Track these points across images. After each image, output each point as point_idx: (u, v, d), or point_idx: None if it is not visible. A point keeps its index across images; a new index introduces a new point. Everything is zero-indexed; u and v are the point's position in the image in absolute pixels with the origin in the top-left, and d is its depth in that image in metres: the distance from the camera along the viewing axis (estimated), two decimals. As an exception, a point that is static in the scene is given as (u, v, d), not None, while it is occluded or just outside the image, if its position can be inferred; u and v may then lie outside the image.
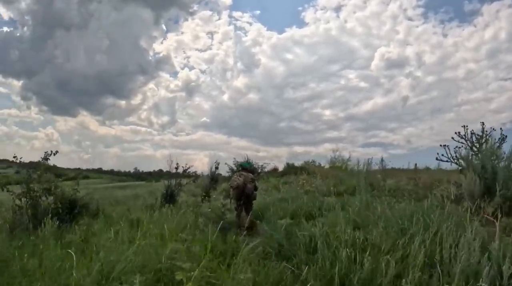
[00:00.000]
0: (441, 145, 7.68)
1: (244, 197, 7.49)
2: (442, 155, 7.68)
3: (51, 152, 8.87)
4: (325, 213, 6.99)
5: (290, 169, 24.06)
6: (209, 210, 8.74)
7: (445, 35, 60.93)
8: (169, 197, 11.26)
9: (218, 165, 16.55)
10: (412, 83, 65.31)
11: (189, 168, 12.20)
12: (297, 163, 24.67)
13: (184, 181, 12.11)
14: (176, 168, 11.89)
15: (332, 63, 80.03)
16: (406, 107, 64.32)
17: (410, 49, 63.16)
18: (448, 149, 7.71)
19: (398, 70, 68.76)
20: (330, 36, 68.54)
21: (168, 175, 12.06)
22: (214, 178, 16.51)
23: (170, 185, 11.50)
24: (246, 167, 8.58)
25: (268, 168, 24.43)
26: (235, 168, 16.66)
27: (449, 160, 7.70)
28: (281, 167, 25.97)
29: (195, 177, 12.37)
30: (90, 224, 7.16)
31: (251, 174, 7.82)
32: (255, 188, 7.54)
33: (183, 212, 7.52)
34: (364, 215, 5.94)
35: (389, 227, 4.93)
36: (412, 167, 16.96)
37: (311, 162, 24.83)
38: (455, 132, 7.57)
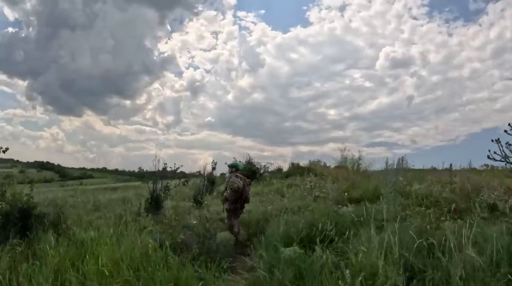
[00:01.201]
0: (492, 140, 5.80)
1: (241, 200, 7.25)
2: (495, 153, 5.79)
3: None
4: (348, 232, 5.21)
5: (295, 170, 22.26)
6: (195, 222, 7.02)
7: (450, 34, 60.22)
8: (154, 203, 9.53)
9: (216, 164, 14.75)
10: (417, 83, 64.71)
11: (178, 168, 10.44)
12: (303, 163, 23.17)
13: (173, 183, 10.39)
14: (164, 168, 10.16)
15: (337, 63, 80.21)
16: (411, 107, 63.73)
17: (415, 49, 62.44)
18: (501, 145, 5.81)
19: (403, 69, 68.60)
20: (335, 36, 68.13)
21: (160, 175, 10.32)
22: (210, 180, 14.73)
23: (155, 189, 9.78)
24: (240, 169, 8.02)
25: (271, 168, 22.76)
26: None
27: (504, 160, 5.81)
28: (285, 167, 24.41)
29: (185, 179, 10.61)
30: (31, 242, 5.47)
31: (247, 178, 7.50)
32: None
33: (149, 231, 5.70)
34: (417, 247, 3.79)
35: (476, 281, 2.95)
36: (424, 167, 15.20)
37: (317, 161, 23.11)
38: (509, 124, 5.67)
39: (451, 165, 10.48)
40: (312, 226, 5.64)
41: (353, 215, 6.46)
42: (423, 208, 6.69)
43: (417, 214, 6.23)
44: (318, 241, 4.54)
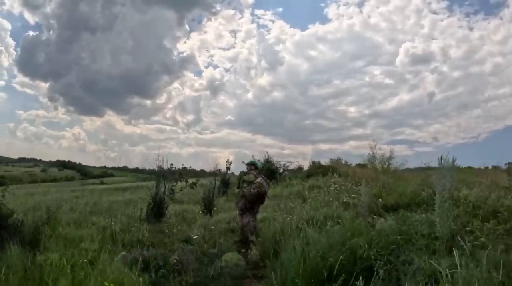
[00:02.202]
0: None
1: (259, 202, 6.56)
2: None
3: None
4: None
5: (316, 169, 20.74)
6: (196, 236, 5.75)
7: (470, 29, 57.65)
8: (156, 209, 8.32)
9: (230, 164, 13.42)
10: (438, 79, 62.53)
11: (184, 168, 9.22)
12: (324, 161, 21.57)
13: (179, 186, 9.17)
14: (170, 169, 8.95)
15: (356, 60, 78.70)
16: (432, 104, 61.88)
17: (435, 44, 60.17)
18: None
19: (424, 65, 66.63)
20: (354, 32, 66.49)
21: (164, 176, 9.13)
22: (224, 181, 13.42)
23: (158, 192, 8.56)
24: (259, 168, 7.20)
25: (291, 167, 21.29)
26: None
27: None
28: (306, 166, 22.90)
29: (193, 181, 9.35)
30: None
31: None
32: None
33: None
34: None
35: None
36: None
37: (338, 160, 21.50)
38: None
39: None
40: (342, 247, 4.24)
41: (395, 231, 5.07)
42: (490, 223, 5.17)
43: (485, 232, 4.75)
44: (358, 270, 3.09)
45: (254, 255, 5.26)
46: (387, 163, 13.41)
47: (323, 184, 12.65)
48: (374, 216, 6.78)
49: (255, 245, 5.79)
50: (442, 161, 8.54)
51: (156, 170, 8.84)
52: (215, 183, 9.87)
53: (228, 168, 13.48)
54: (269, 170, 18.41)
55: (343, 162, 20.87)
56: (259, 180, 6.50)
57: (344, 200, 7.82)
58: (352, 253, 4.19)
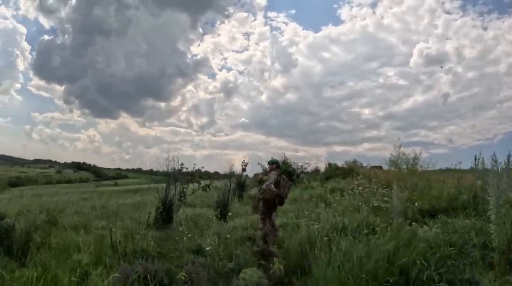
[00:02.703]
0: None
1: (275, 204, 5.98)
2: None
3: None
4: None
5: (335, 171, 19.84)
6: (208, 248, 4.97)
7: (485, 28, 56.38)
8: (166, 213, 7.57)
9: (246, 165, 12.63)
10: (452, 80, 61.75)
11: (197, 170, 8.46)
12: (340, 163, 21.38)
13: (191, 188, 8.40)
14: (180, 169, 8.19)
15: (370, 61, 77.83)
16: (447, 105, 61.05)
17: (450, 44, 59.38)
18: None
19: (438, 66, 64.79)
20: (367, 33, 65.74)
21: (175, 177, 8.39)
22: (240, 183, 12.62)
23: (168, 195, 7.82)
24: (281, 167, 7.08)
25: (308, 169, 20.39)
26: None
27: None
28: (321, 168, 22.33)
29: (206, 183, 8.55)
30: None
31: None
32: None
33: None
34: None
35: None
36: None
37: (354, 161, 20.55)
38: None
39: None
40: (390, 266, 3.39)
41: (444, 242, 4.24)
42: None
43: None
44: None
45: (278, 270, 4.45)
46: (412, 164, 12.43)
47: (345, 186, 11.78)
48: (412, 222, 5.92)
49: (278, 257, 4.98)
50: (476, 161, 7.60)
51: (166, 171, 8.11)
52: (230, 185, 9.06)
53: (244, 169, 12.72)
54: (286, 172, 17.59)
55: (359, 164, 20.09)
56: (264, 185, 5.88)
57: (375, 204, 6.95)
58: (403, 272, 3.35)
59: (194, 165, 8.44)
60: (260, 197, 6.00)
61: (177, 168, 8.15)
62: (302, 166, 19.48)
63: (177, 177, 8.09)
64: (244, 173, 12.88)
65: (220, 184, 12.08)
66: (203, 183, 8.62)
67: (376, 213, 6.69)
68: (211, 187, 8.52)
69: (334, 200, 9.12)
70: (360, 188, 10.14)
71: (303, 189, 14.02)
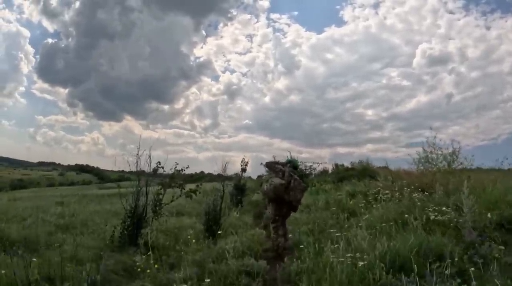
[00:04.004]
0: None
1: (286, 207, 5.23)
2: None
3: None
4: None
5: (348, 171, 17.67)
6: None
7: (488, 28, 56.04)
8: (133, 228, 5.55)
9: (247, 165, 10.50)
10: (455, 80, 61.96)
11: (182, 170, 6.41)
12: (345, 164, 20.02)
13: (170, 194, 6.33)
14: (155, 170, 6.16)
15: (373, 62, 77.25)
16: (450, 105, 60.37)
17: (452, 44, 59.28)
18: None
19: (441, 66, 65.37)
20: (370, 34, 65.10)
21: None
22: (239, 187, 10.49)
23: (137, 204, 5.78)
24: (297, 167, 6.48)
25: (317, 170, 18.30)
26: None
27: None
28: (328, 169, 20.56)
29: (191, 188, 6.41)
30: None
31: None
32: None
33: None
34: None
35: None
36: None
37: (359, 162, 18.43)
38: None
39: None
40: None
41: None
42: None
43: None
44: None
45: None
46: (450, 161, 10.16)
47: (366, 189, 9.61)
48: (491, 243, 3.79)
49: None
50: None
51: (136, 171, 6.10)
52: (223, 190, 6.83)
53: (243, 170, 10.59)
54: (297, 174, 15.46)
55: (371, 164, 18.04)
56: (265, 186, 5.36)
57: (430, 217, 4.76)
58: None
59: (176, 164, 6.38)
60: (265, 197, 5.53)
61: (150, 168, 6.13)
62: (311, 166, 17.42)
63: (150, 180, 6.09)
64: (244, 174, 10.84)
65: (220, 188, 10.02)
66: (190, 187, 6.58)
67: (431, 228, 4.54)
68: (198, 192, 6.46)
69: (360, 208, 6.98)
70: (387, 191, 7.98)
71: (315, 192, 11.83)
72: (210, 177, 15.34)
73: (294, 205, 5.27)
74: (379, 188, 8.67)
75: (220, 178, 7.26)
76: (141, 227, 5.53)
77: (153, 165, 6.13)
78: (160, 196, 6.01)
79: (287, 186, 5.13)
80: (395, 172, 12.99)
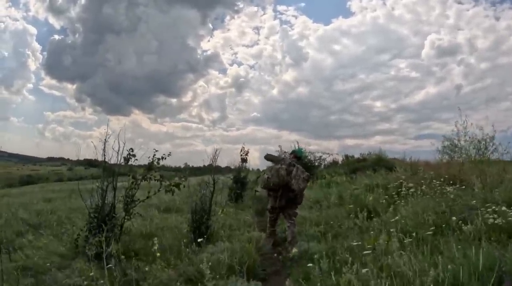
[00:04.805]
0: None
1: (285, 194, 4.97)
2: None
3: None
4: None
5: (361, 162, 16.32)
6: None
7: (497, 18, 55.11)
8: (100, 231, 4.40)
9: (247, 154, 9.27)
10: (465, 71, 61.37)
11: (158, 159, 5.20)
12: (356, 155, 18.51)
13: (146, 189, 5.10)
14: (126, 159, 4.96)
15: (381, 53, 76.48)
16: (459, 96, 59.50)
17: (462, 35, 58.52)
18: None
19: (450, 57, 65.10)
20: (378, 25, 64.46)
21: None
22: (239, 180, 9.22)
23: (104, 204, 4.61)
24: (302, 158, 5.94)
25: (327, 161, 16.95)
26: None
27: None
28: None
29: (174, 182, 5.14)
30: None
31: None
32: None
33: None
34: None
35: None
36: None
37: (368, 154, 17.08)
38: None
39: None
40: None
41: None
42: None
43: None
44: None
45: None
46: (483, 150, 8.74)
47: (385, 182, 8.27)
48: None
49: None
50: None
51: (102, 162, 4.93)
52: (213, 184, 5.55)
53: (244, 160, 9.36)
54: (302, 164, 14.17)
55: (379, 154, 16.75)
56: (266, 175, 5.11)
57: (490, 220, 3.46)
58: None
59: (155, 151, 5.15)
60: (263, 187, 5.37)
61: (119, 158, 4.93)
62: (320, 156, 16.11)
63: (116, 171, 4.92)
64: (246, 164, 9.60)
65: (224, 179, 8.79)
66: (173, 181, 5.35)
67: (490, 237, 3.26)
68: (181, 186, 5.23)
69: (382, 205, 5.69)
70: (411, 185, 6.65)
71: (324, 185, 10.53)
72: (217, 170, 14.24)
73: (297, 197, 4.99)
74: (401, 180, 7.35)
75: (211, 169, 5.98)
76: (108, 229, 4.33)
77: (125, 153, 4.90)
78: (133, 191, 4.81)
79: (288, 173, 4.88)
80: (414, 162, 11.64)
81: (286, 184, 4.88)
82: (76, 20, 70.06)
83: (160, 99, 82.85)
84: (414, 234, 3.32)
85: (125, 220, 4.81)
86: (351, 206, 5.98)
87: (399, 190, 6.67)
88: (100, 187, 4.69)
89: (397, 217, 4.32)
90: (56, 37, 75.19)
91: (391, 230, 3.44)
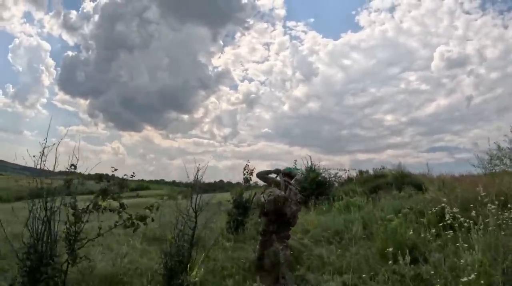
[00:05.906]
0: None
1: (278, 219, 4.69)
2: None
3: None
4: None
5: (379, 179, 14.67)
6: None
7: (505, 27, 54.86)
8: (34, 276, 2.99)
9: (251, 173, 7.76)
10: (475, 82, 61.67)
11: (122, 180, 3.80)
12: (369, 170, 16.57)
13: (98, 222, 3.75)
14: (67, 183, 3.63)
15: (391, 66, 76.45)
16: (470, 108, 59.66)
17: (471, 46, 58.37)
18: None
19: (460, 69, 65.52)
20: (387, 38, 64.76)
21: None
22: (241, 204, 7.64)
23: (38, 239, 3.24)
24: (294, 176, 5.31)
25: (342, 178, 15.26)
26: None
27: None
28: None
29: (138, 215, 3.72)
30: None
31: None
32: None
33: None
34: None
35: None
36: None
37: (381, 168, 15.46)
38: None
39: None
40: None
41: None
42: None
43: None
44: None
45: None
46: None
47: (420, 206, 6.69)
48: None
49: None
50: None
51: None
52: (195, 217, 3.90)
53: (247, 179, 7.87)
54: (313, 182, 12.60)
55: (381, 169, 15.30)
56: (262, 197, 4.64)
57: None
58: None
59: (114, 170, 3.79)
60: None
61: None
62: (336, 173, 14.51)
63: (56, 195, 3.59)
64: (251, 184, 8.09)
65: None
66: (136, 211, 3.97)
67: None
68: (151, 220, 3.83)
69: (430, 244, 4.15)
70: (456, 210, 5.08)
71: (344, 208, 8.95)
72: (230, 185, 12.92)
73: (289, 220, 4.68)
74: (443, 204, 5.75)
75: (192, 189, 4.50)
76: (44, 276, 2.96)
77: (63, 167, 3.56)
78: (79, 226, 3.43)
79: (285, 201, 4.56)
80: (445, 178, 10.01)
81: (280, 209, 4.54)
82: (89, 37, 71.36)
83: (172, 115, 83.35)
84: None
85: (69, 265, 3.41)
86: (390, 249, 4.38)
87: (440, 217, 5.13)
88: (31, 218, 3.33)
89: (461, 261, 2.82)
90: (70, 53, 76.47)
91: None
